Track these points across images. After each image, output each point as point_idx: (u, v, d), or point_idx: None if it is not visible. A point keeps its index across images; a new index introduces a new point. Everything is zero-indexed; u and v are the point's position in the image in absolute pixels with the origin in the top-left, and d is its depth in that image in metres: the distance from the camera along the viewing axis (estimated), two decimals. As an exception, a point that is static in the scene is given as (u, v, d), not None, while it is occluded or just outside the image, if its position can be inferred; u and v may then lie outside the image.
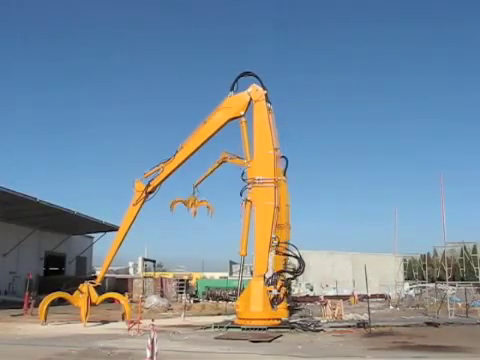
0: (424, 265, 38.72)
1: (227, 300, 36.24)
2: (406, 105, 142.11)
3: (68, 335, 17.19)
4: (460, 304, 27.96)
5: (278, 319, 19.12)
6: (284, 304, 20.89)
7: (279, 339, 16.20)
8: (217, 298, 40.02)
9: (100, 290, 22.87)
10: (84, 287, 21.46)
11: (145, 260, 58.06)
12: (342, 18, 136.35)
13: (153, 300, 32.40)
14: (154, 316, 23.39)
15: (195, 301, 39.90)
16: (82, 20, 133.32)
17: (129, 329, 17.54)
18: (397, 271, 39.57)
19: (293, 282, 40.67)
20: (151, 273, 51.23)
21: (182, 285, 44.42)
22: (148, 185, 22.25)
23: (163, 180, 22.42)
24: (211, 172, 26.10)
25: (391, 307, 33.09)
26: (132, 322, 17.92)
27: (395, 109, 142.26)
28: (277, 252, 20.59)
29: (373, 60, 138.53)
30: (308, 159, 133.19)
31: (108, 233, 49.18)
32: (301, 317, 23.41)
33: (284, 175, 25.33)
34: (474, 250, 37.16)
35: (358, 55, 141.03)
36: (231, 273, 67.01)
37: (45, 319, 20.70)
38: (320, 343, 15.38)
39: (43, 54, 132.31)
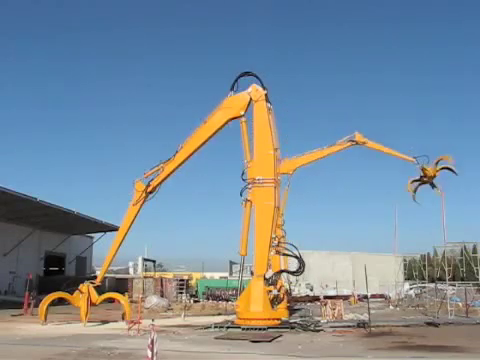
0: (424, 265, 38.74)
1: (227, 300, 36.24)
2: (406, 105, 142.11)
3: (68, 335, 17.18)
4: (460, 304, 27.97)
5: (278, 319, 19.13)
6: (284, 304, 20.91)
7: (279, 339, 16.20)
8: (217, 298, 40.02)
9: (100, 290, 22.87)
10: (84, 287, 21.47)
11: (145, 260, 58.05)
12: (342, 18, 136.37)
13: (153, 300, 32.40)
14: (154, 316, 23.42)
15: (195, 301, 39.89)
16: (82, 20, 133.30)
17: (129, 329, 17.54)
18: (397, 271, 39.57)
19: (293, 282, 40.85)
20: (151, 273, 51.22)
21: (182, 285, 44.42)
22: (148, 185, 22.26)
23: (163, 180, 22.44)
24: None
25: (391, 307, 33.10)
26: (132, 322, 17.92)
27: (395, 109, 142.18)
28: (277, 252, 20.62)
29: (373, 60, 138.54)
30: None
31: (108, 233, 49.24)
32: (301, 317, 23.41)
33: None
34: (474, 250, 37.20)
35: (358, 55, 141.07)
36: (231, 273, 66.99)
37: (45, 319, 20.70)
38: (320, 343, 15.38)
39: (43, 54, 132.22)
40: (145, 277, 47.34)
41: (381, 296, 42.70)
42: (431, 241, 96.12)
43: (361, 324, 19.13)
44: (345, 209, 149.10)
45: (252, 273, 22.46)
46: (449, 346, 14.31)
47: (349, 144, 26.23)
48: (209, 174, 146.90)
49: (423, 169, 24.33)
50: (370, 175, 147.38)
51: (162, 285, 44.35)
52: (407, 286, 45.91)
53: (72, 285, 23.59)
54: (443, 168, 24.11)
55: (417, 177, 24.92)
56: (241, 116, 21.45)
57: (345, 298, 35.13)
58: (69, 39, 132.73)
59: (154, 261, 55.20)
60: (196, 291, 46.13)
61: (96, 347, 13.90)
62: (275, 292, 19.45)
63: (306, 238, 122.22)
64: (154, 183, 22.34)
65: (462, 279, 30.78)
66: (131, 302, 28.21)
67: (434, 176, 24.42)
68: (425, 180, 24.69)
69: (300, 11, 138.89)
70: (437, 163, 24.13)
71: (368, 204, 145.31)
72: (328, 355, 13.05)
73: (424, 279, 38.11)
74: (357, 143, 25.98)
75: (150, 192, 22.41)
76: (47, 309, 20.98)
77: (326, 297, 32.50)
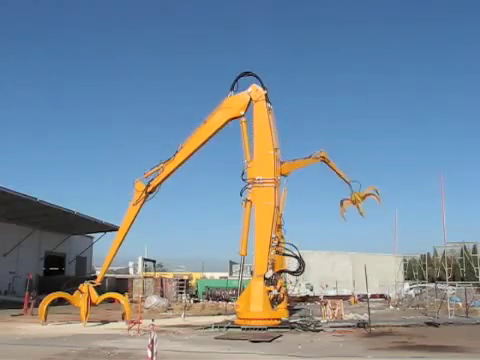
0: (424, 265, 38.69)
1: (227, 300, 36.24)
2: (406, 105, 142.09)
3: (68, 335, 17.18)
4: (460, 304, 27.97)
5: (278, 319, 19.12)
6: (284, 304, 20.91)
7: (279, 339, 16.20)
8: (217, 298, 40.01)
9: (100, 290, 22.87)
10: (84, 287, 21.46)
11: (145, 260, 58.03)
12: (342, 18, 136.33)
13: (153, 300, 32.39)
14: (154, 316, 23.41)
15: (195, 301, 39.88)
16: (82, 20, 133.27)
17: (129, 329, 17.53)
18: (397, 271, 39.55)
19: (293, 282, 40.96)
20: (151, 273, 51.21)
21: (182, 285, 44.41)
22: (148, 185, 22.26)
23: (163, 180, 22.44)
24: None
25: (391, 307, 33.10)
26: (132, 322, 17.91)
27: (395, 109, 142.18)
28: (277, 252, 20.61)
29: (373, 60, 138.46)
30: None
31: (108, 233, 49.24)
32: (301, 317, 23.41)
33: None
34: (474, 250, 37.12)
35: (358, 55, 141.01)
36: (231, 273, 66.97)
37: (45, 319, 20.70)
38: (320, 343, 15.38)
39: (43, 54, 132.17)
40: (145, 277, 47.32)
41: (381, 296, 42.70)
42: (431, 241, 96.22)
43: (361, 324, 19.12)
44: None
45: (252, 273, 22.47)
46: (449, 346, 14.31)
47: (319, 159, 27.21)
48: (209, 174, 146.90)
49: (352, 193, 28.00)
50: (370, 175, 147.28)
51: (162, 285, 44.33)
52: (407, 286, 45.88)
53: (72, 285, 23.58)
54: (368, 195, 28.04)
55: (347, 197, 28.41)
56: (241, 116, 21.46)
57: (345, 298, 35.14)
58: (69, 39, 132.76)
59: (154, 261, 55.18)
60: (196, 291, 46.12)
61: (96, 347, 13.90)
62: (275, 292, 19.45)
63: (306, 238, 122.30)
64: (154, 183, 22.34)
65: (462, 279, 30.75)
66: (131, 302, 28.19)
67: (360, 201, 28.11)
68: (353, 201, 28.29)
69: (300, 11, 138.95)
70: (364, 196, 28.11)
71: (368, 204, 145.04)
72: (328, 355, 13.05)
73: (424, 279, 38.07)
74: (323, 160, 27.05)
75: (150, 192, 22.41)
76: (47, 309, 20.98)
77: (326, 297, 32.50)
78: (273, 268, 20.09)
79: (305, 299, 39.47)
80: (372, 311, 22.40)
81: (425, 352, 13.28)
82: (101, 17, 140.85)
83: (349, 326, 19.53)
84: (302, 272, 21.48)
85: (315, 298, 38.45)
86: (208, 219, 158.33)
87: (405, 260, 46.07)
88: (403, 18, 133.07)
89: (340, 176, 27.91)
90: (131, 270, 77.58)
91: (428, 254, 50.91)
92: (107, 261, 23.23)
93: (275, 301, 19.51)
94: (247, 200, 20.58)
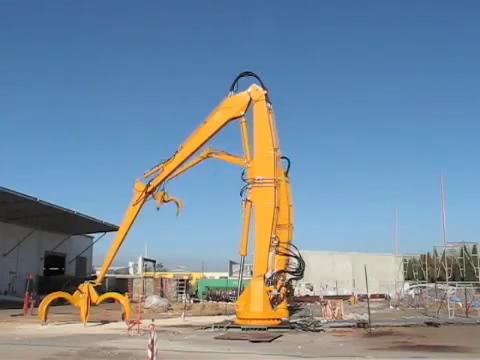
0: (424, 265, 38.74)
1: (227, 300, 36.24)
2: (406, 105, 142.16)
3: (68, 335, 17.18)
4: (460, 304, 27.97)
5: (278, 319, 19.11)
6: (284, 304, 20.91)
7: (279, 339, 16.19)
8: (217, 298, 40.02)
9: (100, 290, 22.87)
10: (84, 287, 21.46)
11: (145, 260, 58.10)
12: (342, 18, 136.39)
13: (153, 300, 32.39)
14: (154, 316, 23.42)
15: (195, 301, 39.88)
16: (82, 20, 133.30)
17: (129, 329, 17.52)
18: (397, 271, 39.59)
19: (293, 282, 40.87)
20: (151, 273, 51.24)
21: (182, 285, 44.43)
22: (148, 185, 22.28)
23: (163, 180, 22.45)
24: (191, 166, 23.93)
25: (391, 307, 33.10)
26: (132, 322, 17.90)
27: (395, 109, 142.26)
28: (277, 252, 20.60)
29: (373, 60, 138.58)
30: (308, 159, 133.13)
31: (108, 233, 49.25)
32: (301, 317, 23.41)
33: (286, 176, 25.38)
34: (474, 250, 37.13)
35: (358, 55, 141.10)
36: (231, 273, 67.10)
37: (45, 319, 20.69)
38: (320, 343, 15.37)
39: (43, 54, 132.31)
40: (145, 277, 47.35)
41: (381, 296, 42.73)
42: (431, 241, 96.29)
43: (361, 324, 19.12)
44: (345, 209, 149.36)
45: (252, 273, 22.46)
46: (449, 346, 14.31)
47: (205, 157, 23.71)
48: (209, 174, 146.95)
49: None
50: (370, 175, 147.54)
51: (162, 285, 44.37)
52: (407, 286, 45.92)
53: (72, 285, 23.59)
54: (171, 200, 23.91)
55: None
56: (241, 116, 21.42)
57: (345, 298, 35.14)
58: (69, 39, 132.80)
59: (154, 261, 55.23)
60: (196, 291, 46.14)
61: (96, 347, 13.88)
62: (275, 292, 19.44)
63: (306, 238, 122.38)
64: (154, 183, 22.36)
65: (462, 279, 30.76)
66: (131, 302, 28.16)
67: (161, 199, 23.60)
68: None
69: (301, 10, 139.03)
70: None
71: (368, 204, 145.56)
72: (328, 355, 13.05)
73: (424, 279, 38.11)
74: (210, 156, 23.68)
75: (150, 192, 22.42)
76: (47, 309, 20.96)
77: (326, 297, 32.51)
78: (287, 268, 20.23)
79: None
80: (372, 311, 22.41)
81: (425, 352, 13.27)
82: (101, 17, 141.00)
83: (349, 326, 19.53)
84: (302, 272, 21.46)
85: (315, 298, 38.44)
86: (208, 219, 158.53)
87: (405, 260, 46.11)
88: (403, 18, 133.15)
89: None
90: (131, 270, 77.69)
91: (428, 254, 51.03)
92: (107, 261, 23.22)
93: (275, 301, 19.51)
94: (247, 200, 20.57)
